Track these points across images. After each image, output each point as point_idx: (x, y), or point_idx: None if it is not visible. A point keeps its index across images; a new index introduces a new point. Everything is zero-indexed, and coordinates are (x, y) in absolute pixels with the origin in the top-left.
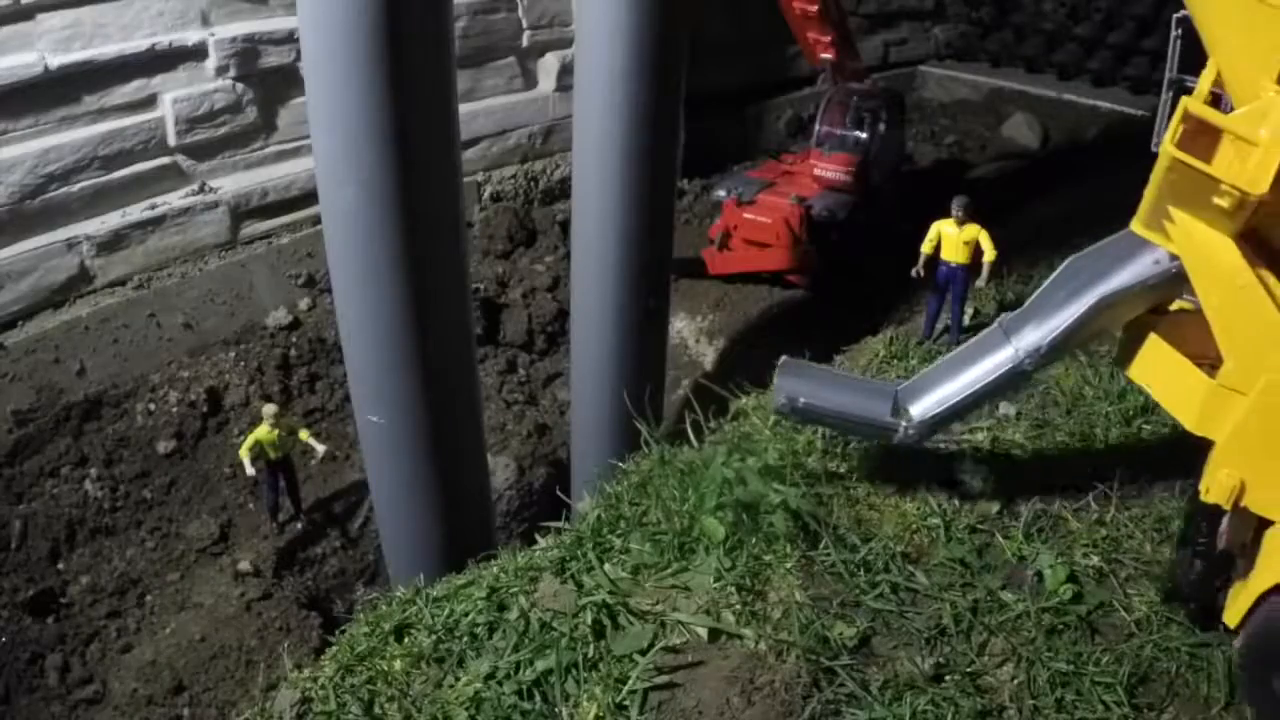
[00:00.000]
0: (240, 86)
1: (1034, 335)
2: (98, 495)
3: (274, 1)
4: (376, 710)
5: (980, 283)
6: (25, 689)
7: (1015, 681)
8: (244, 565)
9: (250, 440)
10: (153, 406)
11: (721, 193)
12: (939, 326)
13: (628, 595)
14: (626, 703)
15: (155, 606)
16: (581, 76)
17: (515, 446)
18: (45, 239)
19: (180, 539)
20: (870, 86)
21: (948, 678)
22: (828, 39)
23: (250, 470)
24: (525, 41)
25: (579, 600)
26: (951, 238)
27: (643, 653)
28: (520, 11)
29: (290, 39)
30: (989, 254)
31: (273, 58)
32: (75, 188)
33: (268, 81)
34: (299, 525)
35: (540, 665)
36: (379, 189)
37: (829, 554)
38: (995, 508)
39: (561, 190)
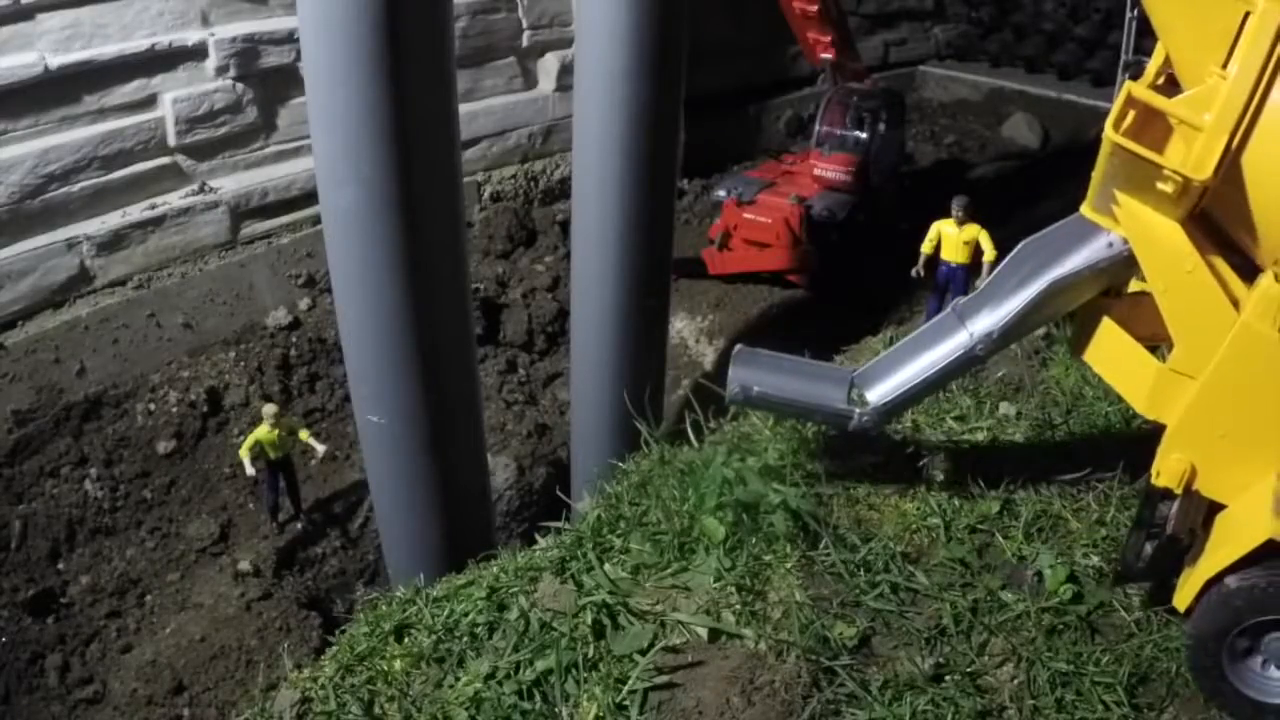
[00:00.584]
0: (240, 86)
1: (987, 320)
2: (98, 495)
3: (274, 1)
4: (376, 710)
5: (980, 282)
6: (25, 689)
7: (1015, 681)
8: (244, 565)
9: (250, 440)
10: (153, 406)
11: (721, 193)
12: None
13: (628, 595)
14: (626, 703)
15: (155, 606)
16: (581, 76)
17: (515, 446)
18: (45, 239)
19: (180, 539)
20: (870, 86)
21: (948, 678)
22: (828, 39)
23: (250, 470)
24: (525, 41)
25: (579, 600)
26: (951, 238)
27: (643, 653)
28: (520, 11)
29: (290, 39)
30: (989, 254)
31: (273, 58)
32: (75, 188)
33: (268, 81)
34: (299, 525)
35: (540, 665)
36: (379, 189)
37: (829, 554)
38: (995, 508)
39: (561, 190)
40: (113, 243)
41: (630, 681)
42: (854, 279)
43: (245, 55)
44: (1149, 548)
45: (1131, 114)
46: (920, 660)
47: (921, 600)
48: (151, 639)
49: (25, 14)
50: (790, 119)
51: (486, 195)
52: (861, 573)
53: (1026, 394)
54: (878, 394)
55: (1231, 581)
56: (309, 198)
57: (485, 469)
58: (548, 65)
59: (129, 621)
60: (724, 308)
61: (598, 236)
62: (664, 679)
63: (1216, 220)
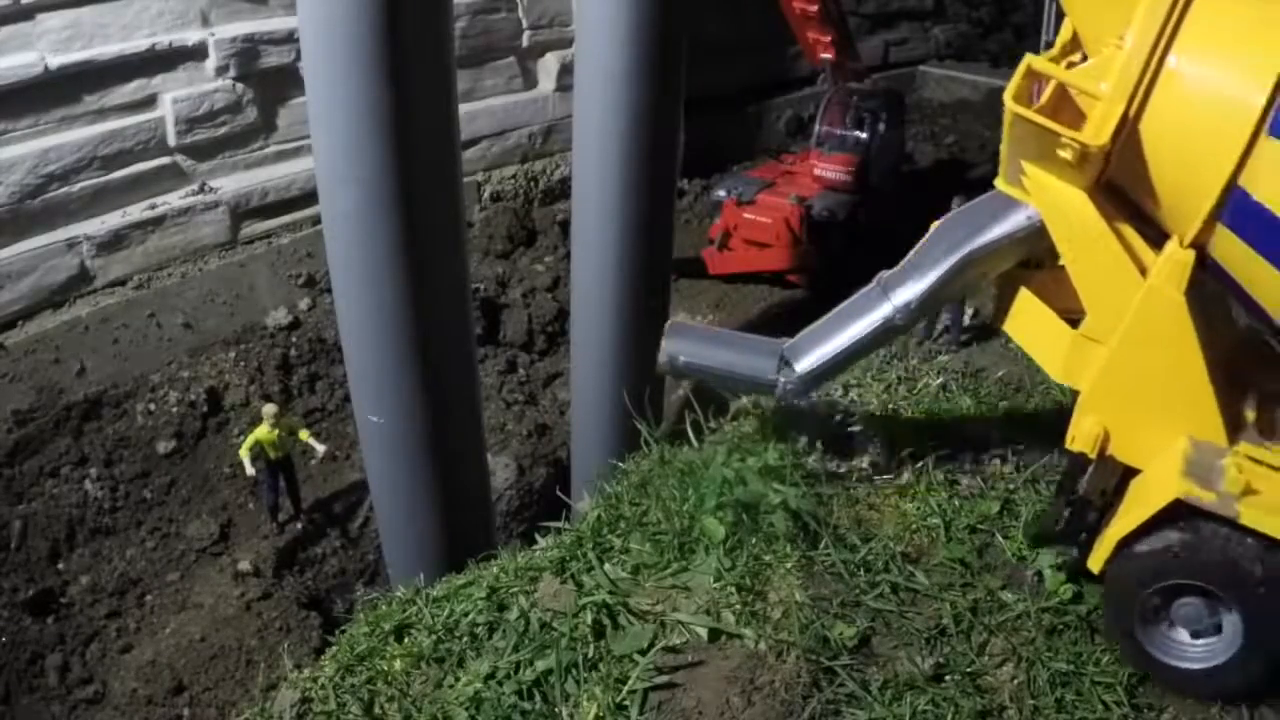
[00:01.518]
0: (240, 86)
1: (908, 292)
2: (98, 495)
3: (274, 1)
4: (376, 710)
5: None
6: (25, 689)
7: (1015, 681)
8: (244, 565)
9: (250, 440)
10: (153, 406)
11: (721, 193)
12: (939, 326)
13: (628, 595)
14: (626, 703)
15: (155, 606)
16: (581, 76)
17: (515, 446)
18: (45, 239)
19: (180, 539)
20: (870, 86)
21: (948, 678)
22: (828, 39)
23: (250, 470)
24: (525, 41)
25: (579, 600)
26: None
27: (643, 653)
28: (520, 11)
29: (290, 39)
30: None
31: (273, 58)
32: (75, 188)
33: (268, 81)
34: (299, 525)
35: (540, 665)
36: (379, 189)
37: (829, 554)
38: (995, 508)
39: (561, 190)
40: (113, 243)
41: (630, 681)
42: (854, 279)
43: (245, 55)
44: (1068, 513)
45: (1048, 91)
46: (920, 660)
47: (921, 600)
48: (151, 639)
49: (25, 14)
50: (790, 119)
51: (486, 195)
52: (861, 573)
53: (1026, 394)
54: (804, 364)
55: (1140, 545)
56: (309, 198)
57: (485, 469)
58: (548, 65)
59: (129, 621)
60: (724, 308)
61: (598, 236)
62: (664, 679)
63: (1125, 191)
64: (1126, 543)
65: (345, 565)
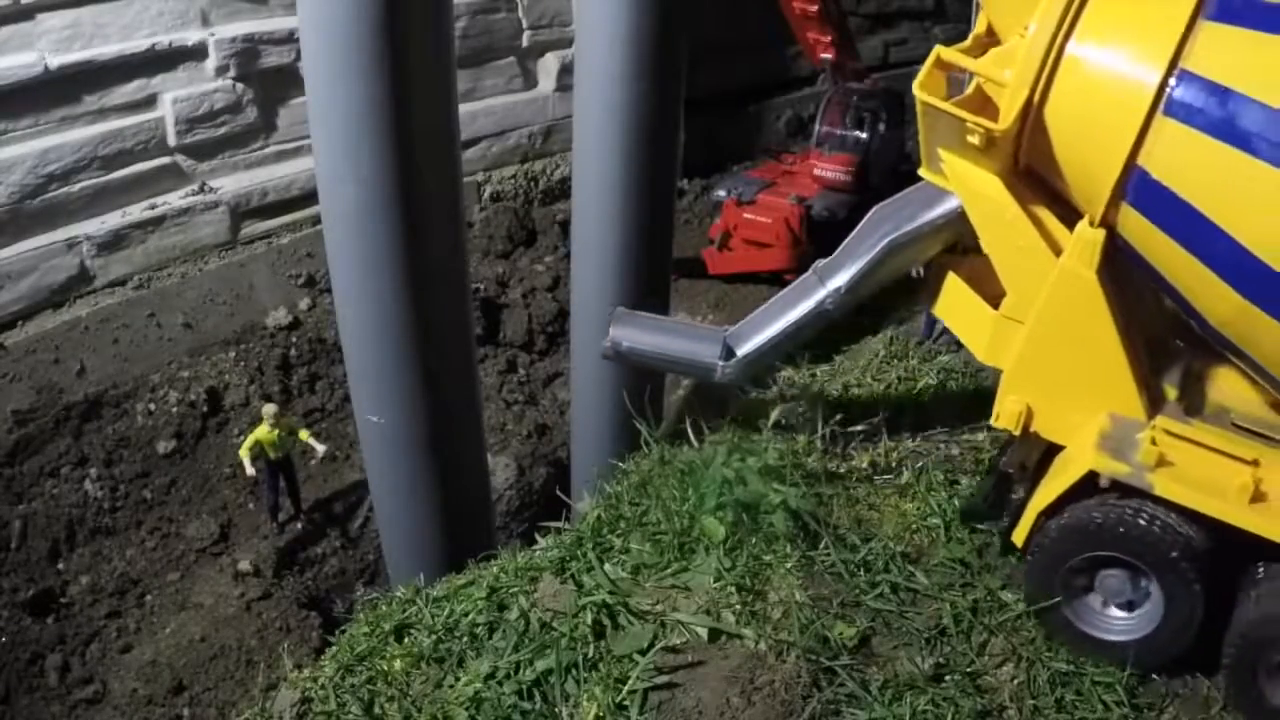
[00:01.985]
0: (240, 86)
1: (840, 277)
2: (98, 495)
3: (274, 1)
4: (376, 710)
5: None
6: (25, 689)
7: (1015, 681)
8: (244, 565)
9: (250, 440)
10: (153, 406)
11: (721, 193)
12: (939, 326)
13: (628, 595)
14: (626, 703)
15: (155, 606)
16: (581, 77)
17: (515, 446)
18: (45, 239)
19: (180, 539)
20: (870, 86)
21: (948, 678)
22: (828, 39)
23: (250, 470)
24: (525, 41)
25: (579, 600)
26: None
27: (643, 653)
28: (520, 11)
29: (290, 39)
30: None
31: (273, 58)
32: (75, 188)
33: (268, 81)
34: (299, 525)
35: (540, 665)
36: (379, 189)
37: (829, 554)
38: None
39: (561, 190)
40: (113, 243)
41: (630, 681)
42: None
43: (245, 55)
44: (996, 489)
45: (973, 81)
46: (920, 660)
47: (921, 600)
48: (151, 639)
49: (25, 14)
50: (790, 119)
51: (486, 195)
52: (861, 573)
53: None
54: (744, 349)
55: (1058, 518)
56: (309, 198)
57: (485, 469)
58: (548, 65)
59: (129, 621)
60: (724, 308)
61: (597, 236)
62: (664, 679)
63: (1041, 174)
64: (1045, 516)
65: (345, 565)
